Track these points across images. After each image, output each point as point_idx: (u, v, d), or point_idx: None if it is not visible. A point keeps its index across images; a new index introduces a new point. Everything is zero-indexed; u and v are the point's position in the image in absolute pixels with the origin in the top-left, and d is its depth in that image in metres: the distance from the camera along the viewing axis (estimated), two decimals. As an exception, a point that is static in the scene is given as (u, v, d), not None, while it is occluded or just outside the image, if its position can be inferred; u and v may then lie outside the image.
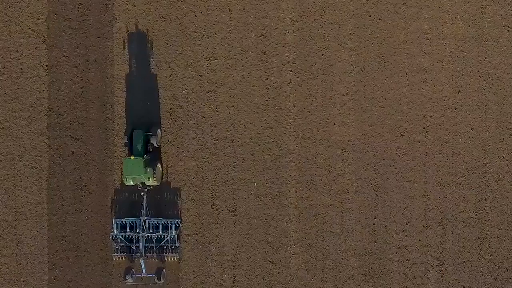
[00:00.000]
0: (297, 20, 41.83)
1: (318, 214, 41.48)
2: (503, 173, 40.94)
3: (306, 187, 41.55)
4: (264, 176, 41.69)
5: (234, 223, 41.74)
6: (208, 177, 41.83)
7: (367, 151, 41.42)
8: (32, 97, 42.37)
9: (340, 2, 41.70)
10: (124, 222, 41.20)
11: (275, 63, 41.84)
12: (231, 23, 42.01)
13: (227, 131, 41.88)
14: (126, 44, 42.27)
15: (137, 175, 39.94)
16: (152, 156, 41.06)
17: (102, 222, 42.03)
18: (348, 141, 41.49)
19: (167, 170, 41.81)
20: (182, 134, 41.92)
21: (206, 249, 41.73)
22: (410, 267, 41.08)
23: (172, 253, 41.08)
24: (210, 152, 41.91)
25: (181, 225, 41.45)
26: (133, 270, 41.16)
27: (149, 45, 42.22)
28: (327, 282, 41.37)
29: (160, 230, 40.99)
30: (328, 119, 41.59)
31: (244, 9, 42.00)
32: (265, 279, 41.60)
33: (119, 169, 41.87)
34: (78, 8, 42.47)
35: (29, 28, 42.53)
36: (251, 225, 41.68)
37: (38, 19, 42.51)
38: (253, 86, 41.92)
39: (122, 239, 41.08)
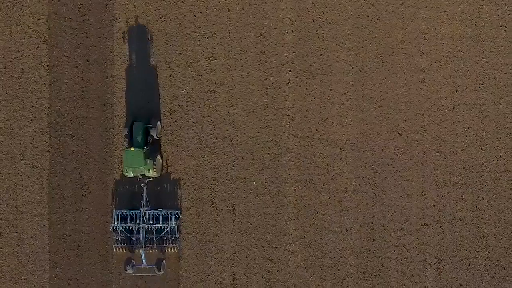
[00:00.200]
0: (296, 20, 41.92)
1: (317, 213, 41.60)
2: (500, 172, 41.04)
3: (305, 186, 41.65)
4: (263, 175, 41.80)
5: (233, 222, 41.85)
6: (208, 176, 41.93)
7: (366, 150, 41.53)
8: (33, 97, 42.49)
9: (338, 3, 41.76)
10: (124, 214, 41.33)
11: (274, 63, 41.94)
12: (230, 23, 42.10)
13: (227, 130, 41.99)
14: (126, 44, 42.35)
15: (137, 167, 40.03)
16: (152, 147, 41.17)
17: (103, 221, 42.11)
18: (347, 140, 41.59)
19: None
20: (181, 134, 42.02)
21: (206, 248, 41.81)
22: (408, 265, 41.18)
23: (172, 244, 41.23)
24: (210, 151, 42.01)
25: (181, 216, 41.60)
26: (134, 261, 41.21)
27: (149, 45, 42.30)
28: (326, 280, 41.48)
29: (160, 221, 41.13)
30: (326, 118, 41.69)
31: (243, 9, 42.10)
32: (264, 277, 41.70)
33: (119, 168, 42.05)
34: (79, 8, 42.56)
35: (30, 28, 42.63)
36: (250, 224, 41.79)
37: (39, 19, 42.61)
38: (252, 85, 42.03)
39: (123, 230, 41.19)
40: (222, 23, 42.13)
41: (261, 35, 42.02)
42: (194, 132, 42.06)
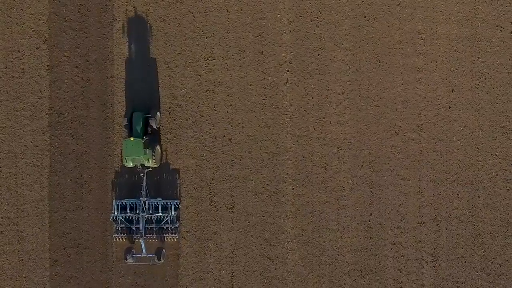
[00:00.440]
0: (293, 20, 42.06)
1: (315, 211, 41.73)
2: (496, 170, 41.23)
3: (303, 184, 41.79)
4: (261, 174, 41.93)
5: (232, 220, 41.98)
6: (207, 175, 42.06)
7: (363, 149, 41.67)
8: (34, 97, 42.60)
9: (336, 3, 41.91)
10: (124, 204, 41.48)
11: (272, 62, 42.07)
12: (229, 24, 42.23)
13: (225, 129, 42.13)
14: (125, 45, 42.46)
15: (137, 156, 40.12)
16: (151, 138, 41.26)
17: (102, 219, 42.20)
18: (344, 139, 41.75)
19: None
20: (180, 133, 42.13)
21: (205, 246, 41.90)
22: (405, 263, 41.32)
23: (172, 234, 41.32)
24: (209, 150, 42.14)
25: (180, 206, 41.71)
26: (134, 250, 41.28)
27: (149, 45, 42.37)
28: (323, 277, 41.59)
29: (160, 211, 41.27)
30: (324, 117, 41.83)
31: (241, 10, 42.23)
32: (262, 275, 41.80)
33: (119, 168, 42.20)
34: (79, 9, 42.68)
35: (31, 29, 42.73)
36: (248, 222, 41.91)
37: (39, 20, 42.72)
38: (250, 85, 42.16)
39: (123, 220, 41.31)
40: (220, 24, 42.27)
41: (259, 35, 42.16)
42: (193, 131, 42.17)
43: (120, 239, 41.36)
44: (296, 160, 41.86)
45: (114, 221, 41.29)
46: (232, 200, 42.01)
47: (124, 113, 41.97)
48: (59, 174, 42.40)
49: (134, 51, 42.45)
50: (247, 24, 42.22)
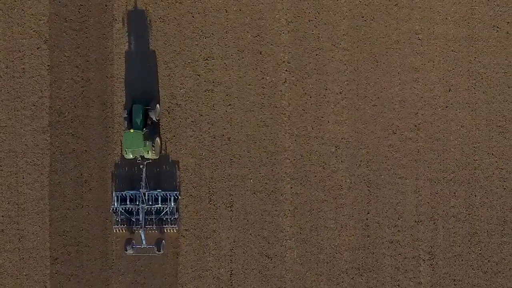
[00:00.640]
0: (292, 21, 42.12)
1: (313, 210, 41.81)
2: (492, 169, 41.31)
3: (301, 183, 41.88)
4: (260, 173, 42.01)
5: (231, 219, 42.06)
6: (206, 173, 42.14)
7: (360, 148, 41.75)
8: (34, 96, 42.65)
9: (334, 4, 41.96)
10: (124, 195, 41.55)
11: (270, 62, 42.13)
12: (227, 24, 42.30)
13: (224, 129, 42.20)
14: (125, 45, 42.52)
15: (137, 148, 40.13)
16: (151, 129, 41.28)
17: (102, 218, 42.27)
18: (342, 138, 41.82)
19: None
20: (180, 132, 42.20)
21: (204, 244, 41.97)
22: (402, 261, 41.40)
23: (171, 225, 41.41)
24: (208, 150, 42.21)
25: (179, 197, 41.78)
26: (133, 241, 41.30)
27: (148, 45, 42.43)
28: (321, 275, 41.67)
29: (159, 202, 41.36)
30: (322, 117, 41.90)
31: (240, 10, 42.30)
32: (261, 273, 41.88)
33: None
34: (79, 9, 42.74)
35: (31, 29, 42.78)
36: (247, 221, 41.99)
37: (40, 20, 42.76)
38: (249, 85, 42.23)
39: (122, 211, 41.37)
40: (219, 24, 42.32)
41: (257, 35, 42.23)
42: (192, 131, 42.25)
43: (120, 230, 41.37)
44: (294, 159, 41.93)
45: (114, 212, 41.35)
46: (231, 199, 42.08)
47: (123, 111, 41.86)
48: (60, 173, 42.47)
49: (133, 51, 42.50)
50: (246, 25, 42.28)
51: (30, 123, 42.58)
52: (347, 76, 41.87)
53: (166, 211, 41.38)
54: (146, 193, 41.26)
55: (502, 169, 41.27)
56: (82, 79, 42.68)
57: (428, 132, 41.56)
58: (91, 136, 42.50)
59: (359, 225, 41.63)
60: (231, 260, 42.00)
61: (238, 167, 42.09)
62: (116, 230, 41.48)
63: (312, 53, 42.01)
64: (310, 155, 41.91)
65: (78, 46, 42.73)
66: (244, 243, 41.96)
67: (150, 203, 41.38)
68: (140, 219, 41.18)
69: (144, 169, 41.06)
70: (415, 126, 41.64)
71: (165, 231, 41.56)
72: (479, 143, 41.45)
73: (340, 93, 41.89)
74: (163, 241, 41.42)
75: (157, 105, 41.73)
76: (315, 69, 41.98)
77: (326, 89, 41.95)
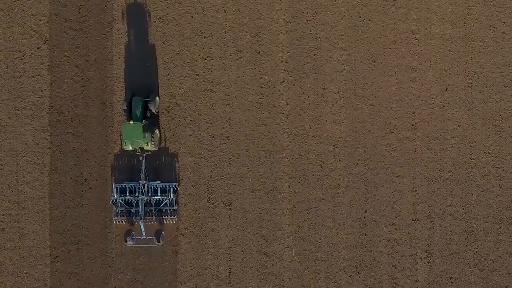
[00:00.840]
0: (290, 21, 42.20)
1: (311, 208, 41.88)
2: (488, 168, 41.39)
3: (299, 182, 41.95)
4: (258, 172, 42.09)
5: (229, 217, 42.11)
6: (205, 172, 42.21)
7: (358, 147, 41.82)
8: (35, 96, 42.69)
9: (331, 4, 42.03)
10: (123, 187, 41.62)
11: (269, 62, 42.20)
12: (226, 24, 42.39)
13: (223, 128, 42.27)
14: (125, 45, 42.56)
15: (136, 139, 40.14)
16: (150, 122, 41.31)
17: (102, 216, 42.32)
18: (340, 137, 41.88)
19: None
20: (179, 131, 42.26)
21: (203, 242, 42.01)
22: (399, 259, 41.48)
23: (171, 216, 41.51)
24: (206, 149, 42.29)
25: (179, 189, 41.84)
26: (133, 232, 41.44)
27: (147, 45, 42.48)
28: (319, 273, 41.74)
29: (159, 194, 41.47)
30: (320, 116, 41.99)
31: (239, 10, 42.39)
32: (259, 271, 41.94)
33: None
34: (79, 9, 42.81)
35: (32, 29, 42.83)
36: (246, 219, 42.06)
37: (40, 20, 42.82)
38: (247, 84, 42.30)
39: (122, 203, 41.45)
40: (218, 24, 42.40)
41: (256, 35, 42.31)
42: (191, 130, 42.32)
43: (120, 222, 41.43)
44: (292, 158, 42.02)
45: (113, 204, 41.41)
46: (230, 198, 42.15)
47: (123, 111, 41.84)
48: (60, 172, 42.51)
49: (133, 51, 42.55)
50: (244, 25, 42.36)
51: (31, 122, 42.63)
52: (345, 75, 41.95)
53: (166, 202, 41.45)
54: (146, 184, 41.32)
55: (498, 168, 41.38)
56: (82, 78, 42.75)
57: (425, 131, 41.63)
58: (91, 135, 42.54)
59: (356, 224, 41.70)
60: (229, 258, 42.05)
61: (237, 166, 42.16)
62: (116, 222, 41.53)
63: (310, 53, 42.10)
64: (308, 154, 41.98)
65: (78, 46, 42.78)
66: (243, 241, 42.01)
67: (149, 194, 41.46)
68: (140, 210, 41.25)
69: (143, 161, 41.09)
70: (412, 125, 41.71)
71: (165, 222, 41.62)
72: (475, 142, 41.53)
73: (338, 92, 41.97)
74: (163, 232, 41.53)
75: (157, 98, 41.74)
76: (313, 68, 42.04)
77: (324, 89, 42.03)
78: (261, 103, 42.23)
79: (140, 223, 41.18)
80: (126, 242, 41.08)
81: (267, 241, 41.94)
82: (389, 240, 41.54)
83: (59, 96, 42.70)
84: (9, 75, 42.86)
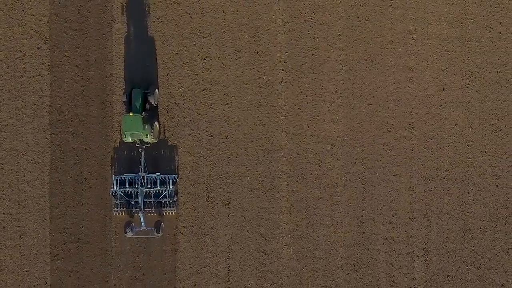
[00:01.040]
0: (288, 21, 42.31)
1: (309, 207, 41.99)
2: (485, 167, 41.52)
3: (297, 181, 42.05)
4: (257, 171, 42.17)
5: (228, 216, 42.21)
6: (204, 171, 42.29)
7: (355, 146, 41.94)
8: (35, 95, 42.73)
9: (329, 4, 42.16)
10: (123, 178, 41.71)
11: (267, 62, 42.29)
12: (225, 24, 42.47)
13: (222, 127, 42.37)
14: (124, 45, 42.61)
15: (136, 131, 40.19)
16: (150, 114, 41.38)
17: (102, 215, 42.37)
18: (337, 137, 41.99)
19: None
20: (178, 131, 42.34)
21: (202, 240, 42.09)
22: (397, 257, 41.59)
23: (170, 207, 41.64)
24: (205, 148, 42.36)
25: (178, 180, 41.94)
26: (133, 224, 41.51)
27: (147, 46, 42.55)
28: (317, 271, 41.84)
29: (158, 185, 41.57)
30: (318, 116, 42.10)
31: (237, 11, 42.47)
32: (258, 269, 42.02)
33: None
34: (79, 10, 42.88)
35: (32, 29, 42.88)
36: (244, 217, 42.14)
37: (40, 20, 42.86)
38: (246, 84, 42.40)
39: (122, 194, 41.56)
40: (217, 24, 42.49)
41: (254, 35, 42.41)
42: (190, 129, 42.40)
43: (120, 214, 41.53)
44: (290, 157, 42.13)
45: (113, 195, 41.49)
46: (228, 196, 42.25)
47: (122, 110, 41.95)
48: (60, 171, 42.57)
49: (132, 51, 42.61)
50: (243, 25, 42.45)
51: (31, 122, 42.68)
52: (343, 75, 42.05)
53: (165, 194, 41.55)
54: (145, 176, 41.41)
55: (495, 166, 41.53)
56: (82, 78, 42.81)
57: (422, 131, 41.75)
58: (91, 135, 42.59)
59: (354, 222, 41.80)
60: (228, 256, 42.14)
61: (236, 165, 42.24)
62: (115, 214, 41.60)
63: (308, 53, 42.20)
64: (306, 153, 42.08)
65: (78, 46, 42.84)
66: (241, 240, 42.10)
67: (149, 186, 41.54)
68: (139, 202, 41.35)
69: (143, 153, 41.19)
70: (409, 124, 41.84)
71: (164, 213, 41.74)
72: (472, 141, 41.66)
73: (336, 92, 42.09)
74: (162, 223, 41.65)
75: (156, 90, 41.79)
76: (311, 68, 42.15)
77: (322, 88, 42.13)
78: (259, 102, 42.34)
79: (139, 214, 41.28)
80: (126, 233, 41.21)
81: (265, 239, 42.03)
82: (387, 239, 41.64)
83: (59, 96, 42.76)
84: (9, 75, 42.89)
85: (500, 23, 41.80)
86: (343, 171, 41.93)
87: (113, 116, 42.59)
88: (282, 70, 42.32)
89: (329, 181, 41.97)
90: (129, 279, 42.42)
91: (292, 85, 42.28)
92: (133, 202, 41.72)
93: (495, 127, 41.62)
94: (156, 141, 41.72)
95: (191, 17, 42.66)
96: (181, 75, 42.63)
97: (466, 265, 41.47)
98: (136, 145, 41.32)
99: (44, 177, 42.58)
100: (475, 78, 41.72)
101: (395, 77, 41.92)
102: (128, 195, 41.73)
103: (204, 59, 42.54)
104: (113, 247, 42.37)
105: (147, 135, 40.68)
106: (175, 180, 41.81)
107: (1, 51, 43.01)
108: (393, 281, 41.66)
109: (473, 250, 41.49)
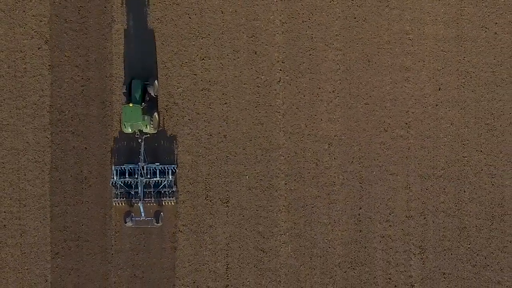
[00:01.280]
0: (286, 21, 42.46)
1: (306, 205, 42.12)
2: (481, 166, 41.72)
3: (295, 179, 42.17)
4: (255, 170, 42.29)
5: (227, 214, 42.32)
6: (202, 170, 42.40)
7: (353, 145, 42.07)
8: (36, 95, 42.82)
9: (326, 5, 42.33)
10: (123, 169, 41.78)
11: (265, 62, 42.43)
12: (223, 25, 42.60)
13: (220, 127, 42.48)
14: (124, 45, 42.71)
15: (135, 122, 40.27)
16: (149, 105, 41.46)
17: (102, 213, 42.45)
18: (335, 136, 42.14)
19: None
20: (177, 130, 42.43)
21: (200, 239, 42.18)
22: (394, 255, 41.73)
23: (169, 197, 41.79)
24: (204, 147, 42.47)
25: (177, 171, 42.04)
26: (133, 214, 41.67)
27: (146, 46, 42.65)
28: (315, 269, 41.97)
29: (158, 176, 41.68)
30: (315, 115, 42.24)
31: (236, 11, 42.60)
32: (256, 267, 42.12)
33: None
34: (79, 10, 42.98)
35: (33, 30, 42.99)
36: (243, 216, 42.25)
37: (41, 21, 42.97)
38: (244, 84, 42.51)
39: (122, 185, 41.66)
40: (215, 25, 42.62)
41: (253, 35, 42.55)
42: (189, 129, 42.51)
43: (120, 204, 41.64)
44: (288, 156, 42.25)
45: (113, 186, 41.60)
46: (227, 195, 42.37)
47: (122, 109, 41.86)
48: (60, 170, 42.67)
49: (132, 51, 42.71)
50: (241, 25, 42.58)
51: (32, 121, 42.75)
52: (340, 75, 42.19)
53: (164, 184, 41.67)
54: (145, 166, 41.51)
55: (490, 165, 41.71)
56: (82, 78, 42.91)
57: (418, 130, 41.90)
58: (91, 134, 42.68)
59: (351, 220, 41.93)
60: (227, 254, 42.23)
61: (234, 164, 42.35)
62: (115, 204, 41.67)
63: (306, 53, 42.34)
64: (303, 152, 42.19)
65: (78, 46, 42.93)
66: (240, 238, 42.19)
67: (148, 176, 41.67)
68: (139, 192, 41.50)
69: (142, 143, 41.31)
70: (406, 124, 41.98)
71: (163, 203, 41.86)
72: (468, 140, 41.83)
73: (333, 91, 42.20)
74: (162, 213, 41.80)
75: (155, 81, 41.85)
76: (308, 68, 42.29)
77: (319, 88, 42.27)
78: (257, 102, 42.48)
79: (139, 204, 41.41)
80: (126, 223, 41.35)
81: (263, 237, 42.14)
82: (383, 237, 41.79)
83: (60, 96, 42.85)
84: (10, 75, 42.97)
85: (496, 23, 41.99)
86: (341, 170, 42.04)
87: (113, 115, 42.65)
88: (280, 70, 42.46)
89: (327, 179, 42.09)
90: (129, 276, 42.50)
91: (290, 84, 42.41)
92: (132, 192, 41.85)
93: (491, 126, 41.79)
94: (155, 132, 41.78)
95: (190, 17, 42.78)
96: (180, 75, 42.72)
97: (462, 263, 41.60)
98: (136, 136, 41.42)
99: (44, 176, 42.64)
100: (471, 78, 41.89)
101: (391, 77, 42.07)
102: (128, 185, 41.85)
103: (203, 59, 42.65)
104: (112, 245, 42.45)
105: (146, 125, 40.78)
106: (174, 170, 41.88)
107: (2, 51, 43.11)
108: (390, 279, 41.79)
109: (469, 248, 41.62)
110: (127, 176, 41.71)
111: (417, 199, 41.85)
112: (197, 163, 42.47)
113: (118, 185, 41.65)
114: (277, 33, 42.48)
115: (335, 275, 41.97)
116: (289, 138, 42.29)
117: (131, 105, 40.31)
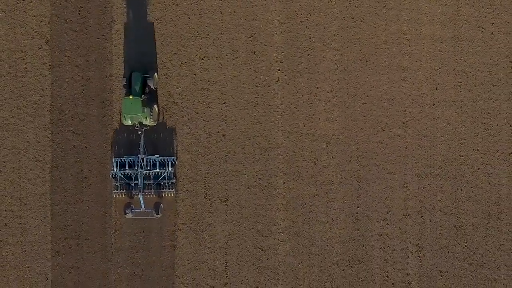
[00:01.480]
0: (284, 22, 42.54)
1: (305, 204, 42.20)
2: (477, 165, 41.80)
3: (293, 178, 42.24)
4: (254, 168, 42.37)
5: (226, 213, 42.39)
6: (202, 169, 42.47)
7: (350, 144, 42.16)
8: (36, 95, 42.87)
9: (324, 5, 42.41)
10: (123, 161, 41.86)
11: (264, 62, 42.49)
12: (222, 25, 42.67)
13: (219, 126, 42.55)
14: (124, 45, 42.75)
15: (135, 114, 40.33)
16: (149, 97, 41.52)
17: (102, 212, 42.53)
18: (333, 135, 42.22)
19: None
20: (176, 129, 42.47)
21: (200, 237, 42.25)
22: (391, 253, 41.84)
23: (169, 189, 41.89)
24: (203, 146, 42.54)
25: (176, 162, 42.11)
26: (133, 205, 41.81)
27: (146, 46, 42.67)
28: (313, 267, 42.07)
29: (157, 167, 41.76)
30: (313, 114, 42.33)
31: (235, 12, 42.67)
32: (255, 265, 42.21)
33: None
34: (79, 11, 43.02)
35: (33, 30, 43.04)
36: (242, 214, 42.34)
37: (41, 21, 43.02)
38: (243, 84, 42.57)
39: (122, 176, 41.77)
40: (214, 25, 42.67)
41: (251, 36, 42.61)
42: (189, 128, 42.57)
43: (120, 195, 41.75)
44: (287, 155, 42.33)
45: (113, 178, 41.68)
46: (226, 194, 42.43)
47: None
48: (61, 169, 42.71)
49: (132, 51, 42.74)
50: (240, 26, 42.66)
51: (32, 120, 42.79)
52: (338, 75, 42.24)
53: (164, 176, 41.75)
54: (145, 158, 41.56)
55: (487, 164, 41.79)
56: (82, 78, 42.94)
57: (415, 129, 41.98)
58: (91, 133, 42.72)
59: (349, 219, 41.99)
60: (226, 252, 42.30)
61: (233, 163, 42.41)
62: (115, 195, 41.75)
63: (304, 53, 42.41)
64: (302, 151, 42.27)
65: (78, 46, 42.98)
66: (239, 236, 42.27)
67: (148, 168, 41.73)
68: (139, 183, 41.59)
69: (142, 136, 41.38)
70: (403, 123, 42.07)
71: (163, 195, 41.96)
72: (465, 139, 41.91)
73: (331, 91, 42.27)
74: (161, 204, 41.91)
75: (155, 74, 41.91)
76: (306, 68, 42.34)
77: (317, 88, 42.33)
78: (256, 101, 42.53)
79: (139, 196, 41.50)
80: (126, 214, 41.42)
81: (262, 236, 42.21)
82: (381, 235, 41.89)
83: (60, 95, 42.88)
84: (11, 74, 43.00)
85: (492, 23, 42.09)
86: (339, 169, 42.10)
87: (113, 115, 42.69)
88: (279, 70, 42.54)
89: (325, 178, 42.15)
90: (129, 275, 42.59)
91: (288, 84, 42.48)
92: (132, 184, 41.91)
93: (487, 125, 41.88)
94: (155, 124, 41.82)
95: (189, 18, 42.83)
96: (180, 74, 42.78)
97: (459, 261, 41.67)
98: (136, 128, 41.49)
99: (45, 174, 42.70)
100: (467, 77, 41.96)
101: (389, 77, 42.12)
102: (128, 177, 41.93)
103: (202, 59, 42.71)
104: (112, 244, 42.53)
105: (146, 118, 40.81)
106: (174, 162, 41.94)
107: (3, 51, 43.16)
108: (387, 277, 41.91)
109: (465, 246, 41.71)
110: (127, 168, 41.79)
111: (414, 198, 41.90)
112: (196, 162, 42.52)
113: (118, 177, 41.72)
114: (276, 33, 42.52)
115: (333, 273, 42.07)
116: (288, 137, 42.35)
117: (131, 97, 40.38)
